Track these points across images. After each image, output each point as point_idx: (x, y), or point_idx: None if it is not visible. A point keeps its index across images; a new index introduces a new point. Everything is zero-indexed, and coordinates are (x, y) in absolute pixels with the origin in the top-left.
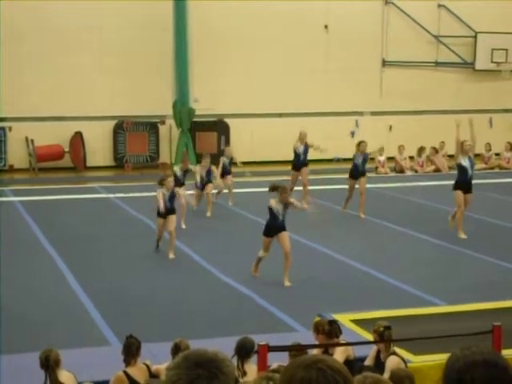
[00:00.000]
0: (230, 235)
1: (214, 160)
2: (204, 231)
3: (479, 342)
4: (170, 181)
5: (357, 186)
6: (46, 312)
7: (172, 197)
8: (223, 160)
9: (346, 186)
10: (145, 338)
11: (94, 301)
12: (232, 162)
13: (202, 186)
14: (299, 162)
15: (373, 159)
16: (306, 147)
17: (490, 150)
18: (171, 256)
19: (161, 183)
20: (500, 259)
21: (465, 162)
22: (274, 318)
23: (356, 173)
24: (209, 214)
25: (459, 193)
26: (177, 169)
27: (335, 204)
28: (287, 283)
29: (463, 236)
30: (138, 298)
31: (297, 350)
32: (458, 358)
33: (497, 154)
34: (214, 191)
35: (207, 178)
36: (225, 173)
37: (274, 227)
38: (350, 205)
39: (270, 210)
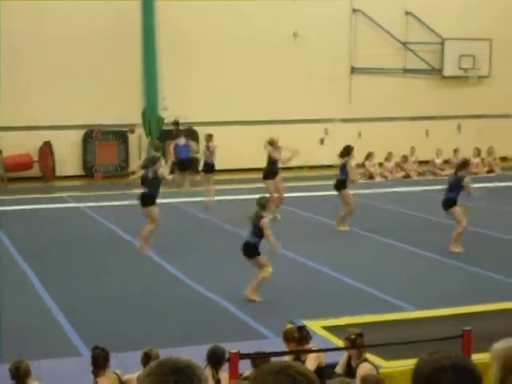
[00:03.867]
0: (202, 244)
1: None
2: (175, 241)
3: (449, 346)
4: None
5: None
6: (15, 323)
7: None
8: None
9: (317, 194)
10: (115, 347)
11: (65, 311)
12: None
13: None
14: (275, 170)
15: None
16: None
17: (459, 155)
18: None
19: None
20: (471, 264)
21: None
22: (245, 326)
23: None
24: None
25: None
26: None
27: (304, 211)
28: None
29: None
30: (108, 308)
31: (262, 357)
32: (426, 362)
33: None
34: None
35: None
36: (208, 168)
37: None
38: (331, 215)
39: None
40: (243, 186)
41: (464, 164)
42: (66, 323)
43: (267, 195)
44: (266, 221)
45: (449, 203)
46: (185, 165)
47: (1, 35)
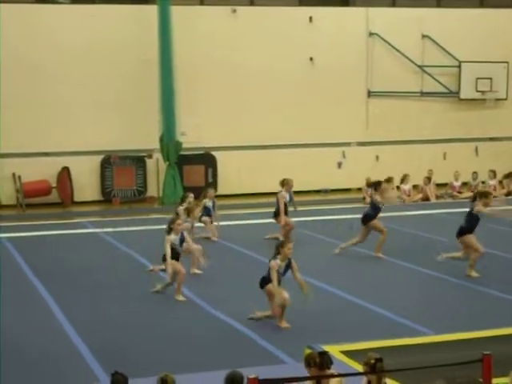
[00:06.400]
0: (219, 269)
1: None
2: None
3: (469, 371)
4: (179, 223)
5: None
6: (34, 350)
7: (182, 241)
8: (204, 202)
9: (335, 217)
10: (131, 373)
11: (83, 336)
12: (214, 206)
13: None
14: (285, 209)
15: (360, 189)
16: (291, 194)
17: (477, 178)
18: (181, 298)
19: (169, 229)
20: (491, 288)
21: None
22: (262, 351)
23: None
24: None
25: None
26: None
27: (320, 235)
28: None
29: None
30: (125, 333)
31: (287, 382)
32: None
33: (483, 182)
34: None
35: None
36: (207, 216)
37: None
38: (346, 238)
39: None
40: (260, 210)
41: (476, 196)
42: (84, 348)
43: (281, 238)
44: (272, 264)
45: (461, 231)
46: None
47: (27, 61)
